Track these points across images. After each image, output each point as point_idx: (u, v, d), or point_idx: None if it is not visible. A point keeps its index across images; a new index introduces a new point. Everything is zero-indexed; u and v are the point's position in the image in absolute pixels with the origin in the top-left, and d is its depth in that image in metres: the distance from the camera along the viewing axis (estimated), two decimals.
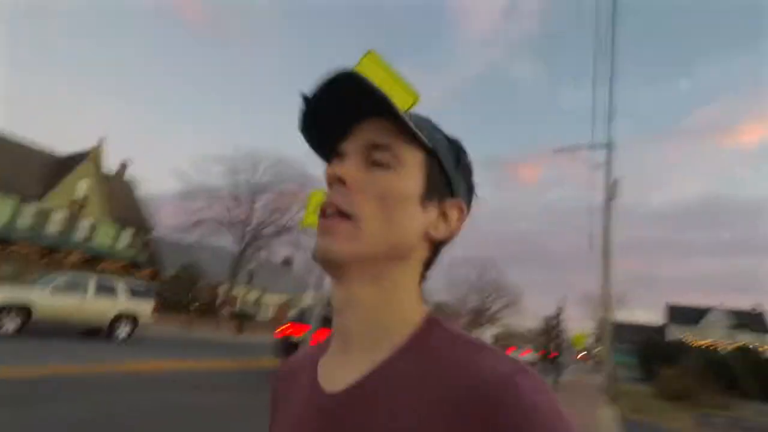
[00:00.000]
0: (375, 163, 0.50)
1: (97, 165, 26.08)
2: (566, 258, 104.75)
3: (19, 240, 20.92)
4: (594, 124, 40.77)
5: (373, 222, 0.48)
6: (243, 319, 26.08)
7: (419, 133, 0.49)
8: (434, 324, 0.49)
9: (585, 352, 67.91)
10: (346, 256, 0.47)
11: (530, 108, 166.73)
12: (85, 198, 25.54)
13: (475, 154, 0.58)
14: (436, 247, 0.53)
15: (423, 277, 0.53)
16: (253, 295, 35.76)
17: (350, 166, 0.50)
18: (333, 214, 0.48)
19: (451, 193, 0.53)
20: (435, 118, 0.56)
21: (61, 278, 11.06)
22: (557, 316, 19.83)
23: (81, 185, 25.36)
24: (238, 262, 29.42)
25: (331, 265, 0.48)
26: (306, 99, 0.49)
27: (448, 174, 0.52)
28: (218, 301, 29.14)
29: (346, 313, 0.50)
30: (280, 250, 32.55)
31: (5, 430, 3.98)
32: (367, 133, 0.50)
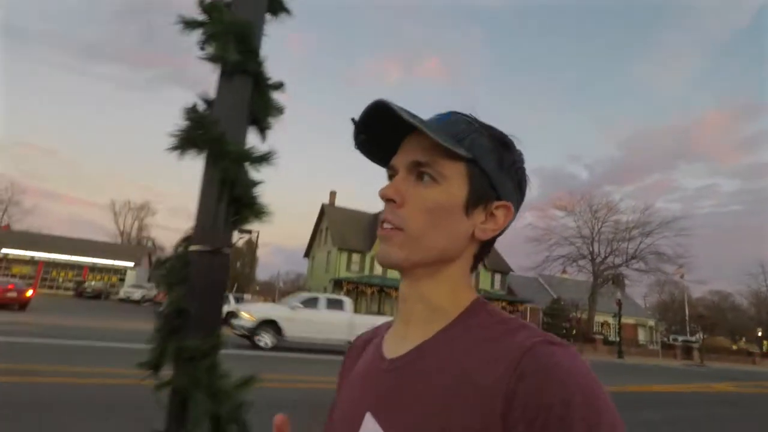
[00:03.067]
0: (421, 178, 0.56)
1: None
2: None
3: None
4: None
5: (422, 233, 0.55)
6: (612, 344, 28.76)
7: (456, 149, 0.54)
8: (480, 306, 0.57)
9: None
10: (401, 261, 0.56)
11: None
12: None
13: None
14: (485, 243, 0.59)
15: (473, 268, 0.60)
16: (608, 320, 37.74)
17: (398, 185, 0.57)
18: (388, 228, 0.56)
19: (497, 194, 0.58)
20: None
21: None
22: None
23: None
24: (592, 291, 32.53)
25: (391, 267, 0.56)
26: (354, 122, 0.59)
27: (491, 178, 0.57)
28: (590, 330, 32.37)
29: (408, 301, 0.59)
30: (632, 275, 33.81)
31: None
32: (412, 150, 0.57)
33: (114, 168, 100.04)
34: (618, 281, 34.19)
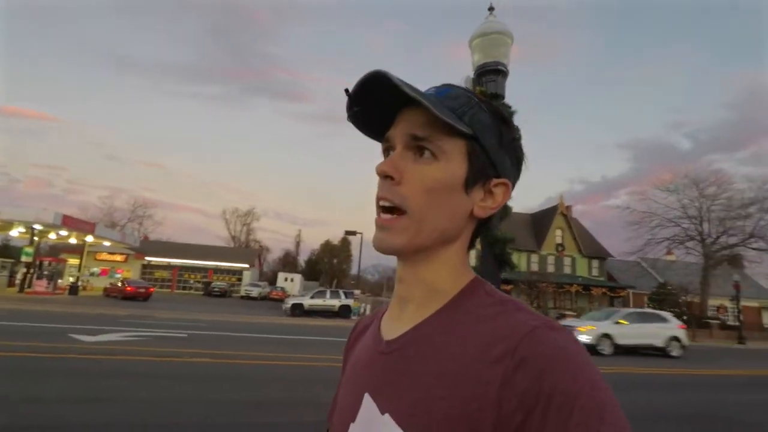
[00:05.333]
0: (419, 154, 0.53)
1: (564, 215, 34.07)
2: None
3: (536, 281, 30.04)
4: None
5: (423, 215, 0.52)
6: (731, 328, 27.09)
7: (457, 125, 0.51)
8: (478, 286, 0.55)
9: None
10: (401, 247, 0.54)
11: None
12: (563, 242, 33.99)
13: None
14: (483, 221, 0.58)
15: (471, 247, 0.59)
16: (725, 303, 35.16)
17: (396, 161, 0.53)
18: (386, 208, 0.54)
19: (496, 172, 0.56)
20: None
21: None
22: None
23: (558, 233, 34.05)
24: (704, 273, 30.57)
25: (391, 254, 0.55)
26: (348, 93, 0.55)
27: (491, 155, 0.55)
28: (703, 314, 30.60)
29: (405, 283, 0.57)
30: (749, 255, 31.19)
31: None
32: (410, 122, 0.54)
33: (210, 175, 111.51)
34: (735, 262, 31.91)
